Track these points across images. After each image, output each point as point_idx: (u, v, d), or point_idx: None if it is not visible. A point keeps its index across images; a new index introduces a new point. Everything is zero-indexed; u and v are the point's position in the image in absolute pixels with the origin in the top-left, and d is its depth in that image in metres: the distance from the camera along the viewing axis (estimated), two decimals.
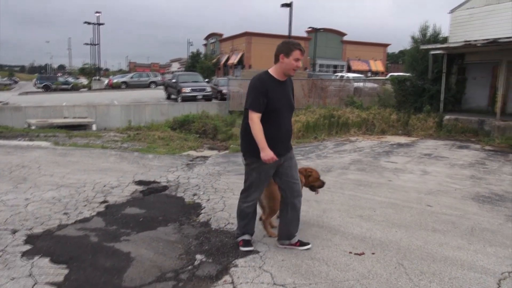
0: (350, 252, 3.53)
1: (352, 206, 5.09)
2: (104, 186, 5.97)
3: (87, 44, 42.85)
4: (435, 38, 17.43)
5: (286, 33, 30.01)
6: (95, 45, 40.69)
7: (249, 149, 3.48)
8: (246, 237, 3.73)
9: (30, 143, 10.02)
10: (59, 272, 3.10)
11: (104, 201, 5.18)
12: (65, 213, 4.58)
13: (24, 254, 3.42)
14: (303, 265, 3.26)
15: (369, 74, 43.93)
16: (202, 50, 60.27)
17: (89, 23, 38.80)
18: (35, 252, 3.48)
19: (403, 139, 12.80)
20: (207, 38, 60.72)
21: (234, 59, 47.18)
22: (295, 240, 3.66)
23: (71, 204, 4.93)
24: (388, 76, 22.81)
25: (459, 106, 16.63)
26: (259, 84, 3.38)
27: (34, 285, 2.90)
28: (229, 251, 3.56)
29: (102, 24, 39.93)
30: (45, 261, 3.30)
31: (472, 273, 3.17)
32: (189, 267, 3.22)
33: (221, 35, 55.36)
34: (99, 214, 4.65)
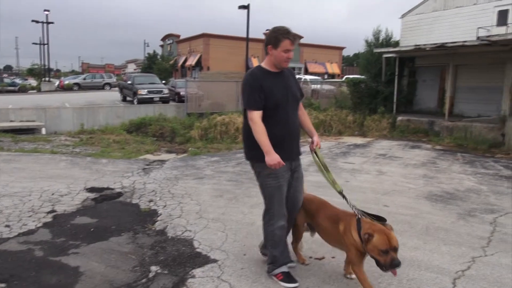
0: (311, 257, 3.50)
1: None
2: (53, 194, 5.59)
3: (35, 43, 40.59)
4: (388, 41, 18.14)
5: (245, 35, 30.01)
6: (44, 44, 38.59)
7: (254, 154, 3.02)
8: (284, 268, 3.09)
9: None
10: None
11: (52, 211, 4.84)
12: (7, 226, 4.22)
13: None
14: (263, 273, 3.17)
15: (325, 76, 44.94)
16: (159, 51, 59.04)
17: (37, 22, 36.75)
18: None
19: (359, 140, 13.14)
20: (164, 39, 59.50)
21: (192, 61, 46.51)
22: None
23: (14, 215, 4.56)
24: (344, 79, 23.39)
25: (411, 107, 17.39)
26: (251, 79, 3.02)
27: None
28: (186, 260, 3.40)
29: (52, 23, 37.96)
30: None
31: (428, 273, 3.23)
32: (143, 280, 3.04)
33: (178, 36, 54.42)
34: (45, 225, 4.33)
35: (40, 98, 25.80)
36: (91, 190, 5.97)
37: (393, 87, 16.00)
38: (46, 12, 37.63)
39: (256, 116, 2.95)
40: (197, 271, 3.19)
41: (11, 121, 15.10)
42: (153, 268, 3.26)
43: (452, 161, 9.30)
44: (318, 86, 21.10)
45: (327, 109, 17.15)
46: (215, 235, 4.02)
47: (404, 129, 14.68)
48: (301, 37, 50.63)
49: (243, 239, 3.89)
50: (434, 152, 10.63)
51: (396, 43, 18.08)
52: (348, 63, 63.23)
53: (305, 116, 3.26)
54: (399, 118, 15.17)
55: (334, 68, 51.28)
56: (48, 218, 4.55)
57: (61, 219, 4.54)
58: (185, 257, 3.47)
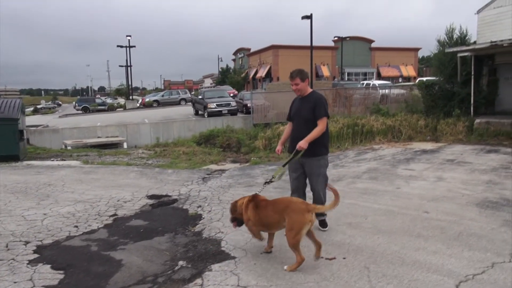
0: (322, 257, 3.68)
1: (345, 214, 5.20)
2: (118, 200, 6.40)
3: (121, 66, 45.11)
4: (463, 40, 17.03)
5: (313, 44, 30.21)
6: (128, 66, 42.78)
7: None
8: (320, 217, 4.54)
9: (61, 162, 10.79)
10: (55, 277, 3.50)
11: (114, 215, 5.59)
12: (75, 226, 5.03)
13: (30, 262, 3.86)
14: (272, 269, 3.46)
15: (400, 80, 43.07)
16: (232, 65, 61.67)
17: (121, 47, 40.92)
18: (40, 260, 3.91)
19: (429, 145, 12.55)
20: (235, 53, 62.14)
21: (262, 72, 47.91)
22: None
23: (83, 218, 5.39)
24: (417, 81, 22.36)
25: (492, 109, 16.05)
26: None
27: (31, 287, 3.29)
28: (209, 257, 3.83)
29: (133, 46, 41.93)
30: (46, 267, 3.72)
31: (434, 276, 3.23)
32: (169, 272, 3.53)
33: (248, 49, 56.51)
34: (106, 226, 5.06)
35: (124, 115, 28.59)
36: (151, 197, 6.70)
37: (470, 88, 14.93)
38: (128, 37, 41.74)
39: (288, 124, 4.79)
40: (215, 266, 3.60)
41: (98, 137, 17.11)
42: (180, 263, 3.74)
43: None
44: (387, 91, 20.45)
45: (396, 114, 16.57)
46: (242, 236, 4.38)
47: (483, 132, 13.60)
48: (372, 41, 49.30)
49: (265, 240, 4.19)
50: None
51: (473, 42, 16.88)
52: (428, 64, 59.73)
53: (314, 130, 4.31)
54: (477, 120, 14.11)
55: (409, 71, 48.95)
56: (110, 221, 5.30)
57: (119, 222, 5.26)
58: (210, 255, 3.91)
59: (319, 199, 4.43)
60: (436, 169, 8.54)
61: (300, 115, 4.46)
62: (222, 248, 4.05)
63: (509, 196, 6.04)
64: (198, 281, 3.30)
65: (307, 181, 4.60)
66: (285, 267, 3.49)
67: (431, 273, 3.30)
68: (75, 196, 6.66)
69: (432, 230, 4.48)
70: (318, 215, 4.31)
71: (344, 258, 3.66)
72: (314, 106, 4.34)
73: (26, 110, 40.53)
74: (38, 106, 58.34)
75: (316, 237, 3.65)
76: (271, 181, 4.22)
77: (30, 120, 25.89)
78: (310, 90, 4.55)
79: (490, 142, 12.50)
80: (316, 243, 3.62)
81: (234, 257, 3.78)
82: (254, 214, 3.74)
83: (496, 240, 4.10)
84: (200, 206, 5.98)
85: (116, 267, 3.69)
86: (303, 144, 4.19)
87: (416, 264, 3.48)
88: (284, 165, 4.39)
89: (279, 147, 4.69)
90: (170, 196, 6.77)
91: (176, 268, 3.61)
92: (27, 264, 3.80)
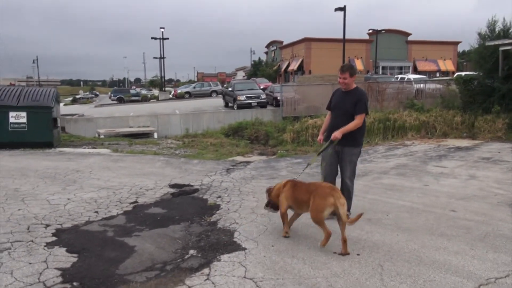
0: (335, 252, 3.56)
1: (366, 210, 4.99)
2: (140, 188, 6.49)
3: (155, 58, 45.95)
4: (506, 32, 16.07)
5: (347, 37, 29.58)
6: (162, 58, 43.57)
7: None
8: None
9: (92, 150, 11.12)
10: (69, 260, 3.57)
11: (135, 202, 5.67)
12: (96, 212, 5.13)
13: (48, 244, 3.96)
14: (281, 262, 3.37)
15: (437, 75, 41.45)
16: (264, 57, 61.51)
17: (155, 39, 41.73)
18: (57, 243, 4.00)
19: (465, 142, 12.03)
20: (268, 46, 61.92)
21: (294, 65, 47.49)
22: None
23: (104, 204, 5.50)
24: (454, 76, 21.38)
25: None
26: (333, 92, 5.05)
27: (44, 269, 3.38)
28: (220, 247, 3.79)
29: (167, 38, 42.67)
30: (62, 250, 3.80)
31: (453, 277, 3.03)
32: (178, 260, 3.51)
33: (281, 42, 56.17)
34: (125, 212, 5.14)
35: (156, 106, 29.14)
36: (173, 186, 6.75)
37: None
38: (162, 30, 42.49)
39: (328, 113, 4.98)
40: (224, 256, 3.56)
41: (130, 126, 17.51)
42: (191, 252, 3.72)
43: None
44: (422, 86, 19.67)
45: (431, 110, 15.95)
46: (257, 228, 4.32)
47: None
48: (409, 34, 47.66)
49: (279, 232, 4.13)
50: None
51: None
52: (469, 58, 57.21)
53: (350, 123, 4.55)
54: None
55: (447, 65, 46.94)
56: (129, 208, 5.37)
57: (138, 209, 5.33)
58: (221, 245, 3.86)
59: (345, 186, 4.71)
60: (469, 167, 8.14)
61: (340, 108, 4.69)
62: (234, 239, 4.00)
63: None
64: (205, 270, 3.26)
65: (338, 169, 4.85)
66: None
67: (449, 274, 3.10)
68: (100, 183, 6.82)
69: (457, 229, 4.23)
70: None
71: (358, 255, 3.52)
72: (356, 101, 4.56)
73: (65, 99, 41.99)
74: (77, 96, 60.65)
75: (344, 233, 3.66)
76: (307, 166, 4.82)
77: (68, 109, 26.97)
78: (354, 85, 4.76)
79: None
80: (342, 236, 3.68)
81: (244, 248, 3.72)
82: (290, 190, 4.09)
83: None
84: (219, 197, 5.96)
85: (128, 253, 3.72)
86: (338, 134, 4.48)
87: (435, 264, 3.28)
88: (318, 154, 4.80)
89: (320, 137, 4.94)
90: (192, 185, 6.80)
91: (186, 256, 3.60)
92: (44, 246, 3.89)
